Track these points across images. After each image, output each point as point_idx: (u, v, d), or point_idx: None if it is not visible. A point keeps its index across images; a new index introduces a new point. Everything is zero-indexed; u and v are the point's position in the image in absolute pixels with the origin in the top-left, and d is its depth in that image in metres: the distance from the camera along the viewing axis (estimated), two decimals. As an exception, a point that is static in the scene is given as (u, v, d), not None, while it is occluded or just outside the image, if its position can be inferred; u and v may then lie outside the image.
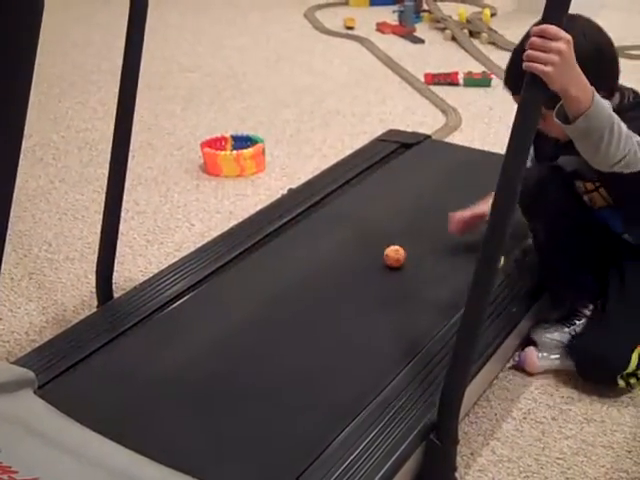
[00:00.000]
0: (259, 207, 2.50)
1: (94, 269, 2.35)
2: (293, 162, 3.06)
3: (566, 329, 1.86)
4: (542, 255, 1.91)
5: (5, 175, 0.81)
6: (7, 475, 1.21)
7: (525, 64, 1.32)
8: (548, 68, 1.30)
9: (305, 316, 1.82)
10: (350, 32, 4.79)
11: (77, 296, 2.26)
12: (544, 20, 1.32)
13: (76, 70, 4.19)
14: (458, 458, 1.53)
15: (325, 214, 2.31)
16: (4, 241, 0.85)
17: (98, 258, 1.95)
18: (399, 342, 1.70)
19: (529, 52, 1.32)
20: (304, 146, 3.20)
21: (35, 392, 1.55)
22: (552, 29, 1.30)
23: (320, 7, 5.34)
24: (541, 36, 1.31)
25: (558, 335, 1.85)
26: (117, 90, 1.82)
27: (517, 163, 1.36)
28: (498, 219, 1.36)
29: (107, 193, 1.89)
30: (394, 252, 1.99)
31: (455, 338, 1.45)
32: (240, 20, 5.12)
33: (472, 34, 4.57)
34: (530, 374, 1.83)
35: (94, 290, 2.25)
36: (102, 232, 1.93)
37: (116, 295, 1.98)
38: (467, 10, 4.88)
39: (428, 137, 2.82)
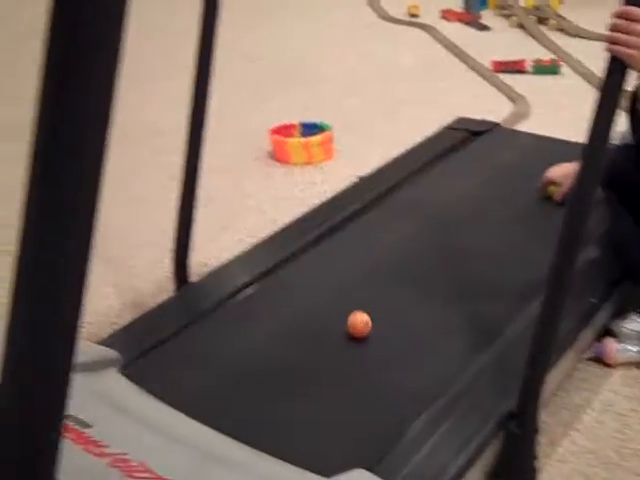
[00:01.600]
0: (328, 194, 2.51)
1: (169, 254, 2.40)
2: (361, 150, 3.06)
3: None
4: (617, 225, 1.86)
5: (94, 168, 0.82)
6: (99, 449, 1.25)
7: (608, 47, 1.30)
8: (631, 51, 1.28)
9: (379, 302, 1.83)
10: (415, 20, 4.76)
11: (153, 280, 2.30)
12: (628, 1, 1.29)
13: (143, 61, 4.24)
14: (538, 447, 1.52)
15: (396, 201, 2.31)
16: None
17: (175, 243, 1.99)
18: (477, 328, 1.70)
19: (612, 34, 1.29)
20: (371, 134, 3.20)
21: (119, 372, 1.59)
22: (636, 10, 1.28)
23: (384, -5, 5.31)
24: (625, 18, 1.29)
25: (638, 326, 1.82)
26: (187, 79, 1.85)
27: (599, 147, 1.34)
28: (578, 206, 1.35)
29: (183, 179, 1.93)
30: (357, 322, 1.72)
31: (535, 325, 1.44)
32: (304, 9, 5.13)
33: (540, 21, 4.49)
34: (609, 366, 1.81)
35: (169, 275, 2.29)
36: (178, 218, 1.97)
37: (191, 279, 2.02)
38: (534, -4, 4.81)
39: (497, 125, 2.79)
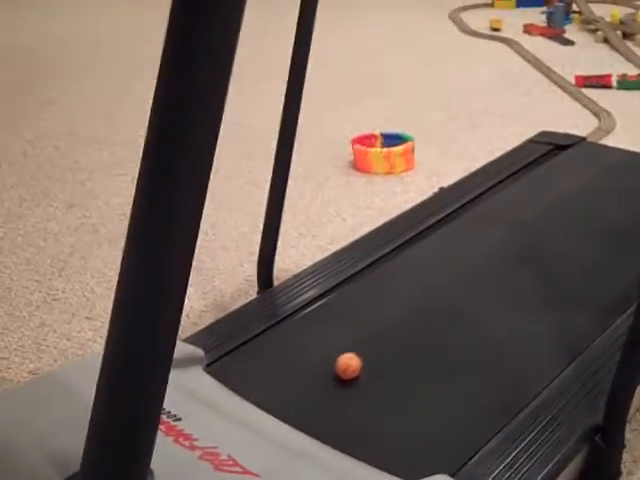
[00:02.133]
0: (409, 205, 2.51)
1: (249, 258, 2.45)
2: (442, 161, 3.06)
3: None
4: None
5: (202, 172, 0.85)
6: (189, 442, 1.28)
7: None
8: None
9: (460, 312, 1.83)
10: (496, 34, 4.74)
11: (234, 283, 2.35)
12: None
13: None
14: (621, 464, 1.50)
15: (477, 214, 2.30)
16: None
17: (260, 247, 2.03)
18: (562, 341, 1.68)
19: None
20: (453, 146, 3.20)
21: (203, 369, 1.63)
22: None
23: (465, 9, 5.31)
24: None
25: None
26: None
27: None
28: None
29: (271, 184, 1.96)
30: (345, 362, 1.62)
31: (624, 338, 1.42)
32: (385, 21, 5.16)
33: (626, 35, 4.42)
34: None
35: (250, 278, 2.34)
36: (265, 222, 2.00)
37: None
38: (620, 11, 4.73)
39: (583, 139, 2.75)
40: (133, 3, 5.80)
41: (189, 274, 0.88)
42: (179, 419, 1.34)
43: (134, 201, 0.84)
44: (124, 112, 3.81)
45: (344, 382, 1.59)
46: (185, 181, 0.83)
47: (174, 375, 1.44)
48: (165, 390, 0.92)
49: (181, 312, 0.90)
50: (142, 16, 5.46)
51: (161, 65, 0.79)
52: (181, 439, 1.28)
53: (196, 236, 0.87)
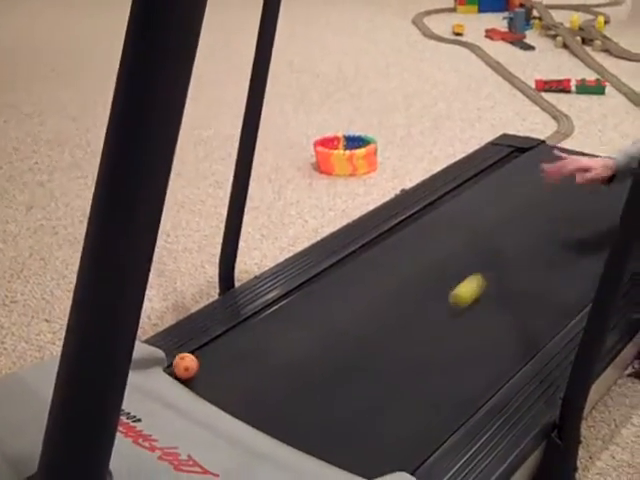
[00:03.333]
0: (371, 206, 2.53)
1: (211, 260, 2.44)
2: (404, 164, 3.09)
3: None
4: None
5: (163, 170, 0.86)
6: (148, 442, 1.28)
7: None
8: None
9: (420, 313, 1.84)
10: (458, 38, 4.78)
11: (195, 285, 2.34)
12: None
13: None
14: (577, 460, 1.52)
15: (438, 215, 2.32)
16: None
17: (222, 249, 2.02)
18: (520, 340, 1.70)
19: None
20: (415, 149, 3.23)
21: (164, 370, 1.62)
22: None
23: (428, 13, 5.35)
24: None
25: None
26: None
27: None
28: (627, 224, 1.35)
29: (233, 186, 1.96)
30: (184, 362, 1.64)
31: (580, 337, 1.45)
32: (349, 25, 5.18)
33: (585, 41, 4.49)
34: (650, 382, 1.81)
35: (211, 280, 2.34)
36: (226, 223, 2.00)
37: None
38: (580, 17, 4.80)
39: (542, 142, 2.79)
40: (108, 5, 5.76)
41: (148, 275, 0.88)
42: (138, 420, 1.34)
43: (92, 202, 0.84)
44: (88, 114, 3.78)
45: (303, 383, 1.60)
46: (144, 182, 0.84)
47: (134, 376, 1.43)
48: (124, 391, 0.92)
49: (140, 313, 0.90)
50: (115, 19, 5.43)
51: (120, 68, 0.79)
52: (140, 440, 1.28)
53: (155, 237, 0.87)
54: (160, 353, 1.64)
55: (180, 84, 0.82)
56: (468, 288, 1.81)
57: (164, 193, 0.86)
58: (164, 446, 1.27)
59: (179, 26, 0.78)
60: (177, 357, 1.63)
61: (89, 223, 0.84)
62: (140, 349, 1.64)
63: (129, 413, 1.36)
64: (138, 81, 0.79)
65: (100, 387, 0.90)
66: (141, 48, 0.78)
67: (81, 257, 0.84)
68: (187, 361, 1.62)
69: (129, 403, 1.31)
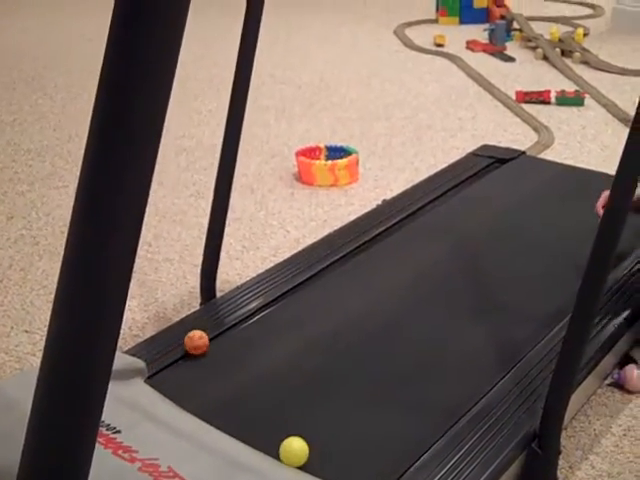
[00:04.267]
0: (353, 216, 2.54)
1: (192, 270, 2.44)
2: (386, 174, 3.10)
3: None
4: None
5: (144, 178, 0.86)
6: (128, 454, 1.27)
7: None
8: None
9: (401, 322, 1.85)
10: (440, 49, 4.81)
11: (177, 295, 2.33)
12: None
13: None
14: (557, 470, 1.53)
15: (419, 225, 2.33)
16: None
17: (203, 259, 2.02)
18: (500, 349, 1.71)
19: None
20: (396, 159, 3.24)
21: (145, 381, 1.61)
22: None
23: (410, 24, 5.37)
24: None
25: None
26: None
27: (628, 179, 1.36)
28: (607, 235, 1.37)
29: (214, 196, 1.96)
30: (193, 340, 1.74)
31: (560, 347, 1.46)
32: (331, 36, 5.20)
33: (564, 53, 4.53)
34: (630, 392, 1.82)
35: (192, 290, 2.33)
36: (208, 234, 2.00)
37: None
38: (559, 29, 4.85)
39: (523, 153, 2.82)
40: (91, 13, 5.75)
41: (129, 285, 0.88)
42: (118, 431, 1.33)
43: (73, 212, 0.84)
44: (69, 123, 3.76)
45: (284, 392, 1.60)
46: (125, 191, 0.83)
47: (114, 387, 1.43)
48: (103, 402, 0.91)
49: (120, 323, 0.89)
50: (97, 27, 5.42)
51: (101, 77, 0.79)
52: (120, 451, 1.28)
53: (136, 246, 0.87)
54: (141, 363, 1.64)
55: (161, 94, 0.82)
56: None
57: (145, 202, 0.85)
58: (144, 457, 1.26)
59: (160, 35, 0.78)
60: (186, 337, 1.72)
61: (69, 233, 0.83)
62: (120, 360, 1.63)
63: (109, 424, 1.35)
64: (118, 91, 0.79)
65: (79, 398, 0.89)
66: (122, 57, 0.78)
67: (61, 267, 0.83)
68: (196, 340, 1.71)
69: (109, 414, 1.31)
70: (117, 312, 0.89)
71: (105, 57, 0.78)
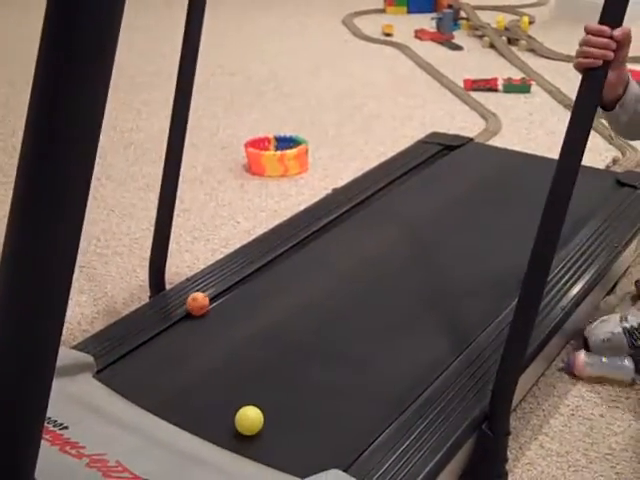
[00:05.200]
0: (303, 206, 2.53)
1: (142, 263, 2.41)
2: (336, 163, 3.10)
3: (619, 329, 1.86)
4: None
5: (83, 172, 0.84)
6: (75, 450, 1.25)
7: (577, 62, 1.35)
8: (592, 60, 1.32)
9: (351, 310, 1.85)
10: (388, 38, 4.83)
11: (126, 289, 2.31)
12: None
13: (119, 72, 4.25)
14: (507, 451, 1.55)
15: (370, 213, 2.34)
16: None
17: (151, 251, 2.00)
18: (451, 333, 1.73)
19: (583, 49, 1.34)
20: (346, 148, 3.24)
21: (93, 376, 1.59)
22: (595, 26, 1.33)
23: (358, 14, 5.38)
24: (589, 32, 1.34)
25: (607, 335, 1.85)
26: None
27: (572, 164, 1.38)
28: (551, 219, 1.39)
29: (161, 189, 1.94)
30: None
31: (508, 330, 1.47)
32: (280, 26, 5.18)
33: (510, 41, 4.58)
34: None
35: (142, 283, 2.31)
36: (155, 227, 1.98)
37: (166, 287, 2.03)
38: (505, 18, 4.90)
39: (471, 140, 2.84)
40: (26, 8, 5.63)
41: (71, 279, 0.86)
42: (65, 427, 1.31)
43: (11, 207, 0.82)
44: (13, 117, 3.69)
45: (232, 384, 1.59)
46: (65, 185, 0.82)
47: (61, 383, 1.41)
48: (48, 399, 0.90)
49: (63, 318, 0.88)
50: (36, 21, 5.31)
51: (36, 68, 0.77)
52: (67, 447, 1.26)
53: (78, 239, 0.85)
54: (89, 358, 1.61)
55: (99, 85, 0.81)
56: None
57: (86, 196, 0.84)
58: (92, 453, 1.25)
59: (96, 26, 0.77)
60: (189, 298, 1.82)
61: (8, 227, 0.82)
62: (68, 355, 1.61)
63: (56, 421, 1.33)
64: (54, 83, 0.78)
65: (24, 395, 0.88)
66: (57, 50, 0.76)
67: (1, 262, 0.82)
68: (200, 300, 1.82)
69: (56, 410, 1.29)
70: (60, 307, 0.87)
71: (40, 49, 0.77)
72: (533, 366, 1.72)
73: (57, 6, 0.74)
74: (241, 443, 1.41)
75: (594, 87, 1.36)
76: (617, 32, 1.31)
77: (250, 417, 1.43)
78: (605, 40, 1.31)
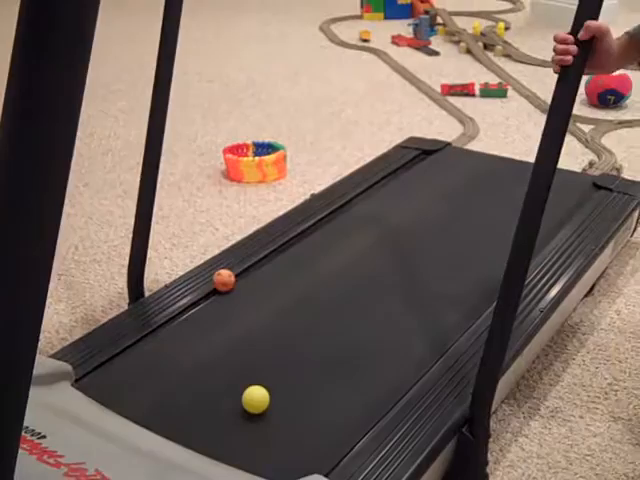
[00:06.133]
0: (281, 212, 2.53)
1: (120, 271, 2.40)
2: (314, 169, 3.10)
3: None
4: None
5: (60, 178, 0.84)
6: (54, 459, 1.24)
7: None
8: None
9: (331, 313, 1.85)
10: (365, 44, 4.84)
11: (105, 296, 2.29)
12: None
13: (97, 80, 4.24)
14: (488, 454, 1.55)
15: (349, 218, 2.34)
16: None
17: (130, 258, 1.99)
18: (430, 337, 1.73)
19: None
20: (324, 154, 3.24)
21: (72, 385, 1.58)
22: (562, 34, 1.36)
23: (335, 20, 5.39)
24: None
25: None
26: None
27: (547, 168, 1.39)
28: (527, 223, 1.39)
29: (139, 196, 1.93)
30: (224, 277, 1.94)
31: (487, 333, 1.48)
32: (257, 33, 5.18)
33: (487, 47, 4.61)
34: (556, 374, 1.85)
35: (121, 291, 2.29)
36: (134, 234, 1.97)
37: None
38: (482, 24, 4.93)
39: (448, 144, 2.85)
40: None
41: (47, 286, 0.85)
42: (43, 436, 1.29)
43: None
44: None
45: (212, 389, 1.58)
46: (39, 189, 0.81)
47: (39, 392, 1.39)
48: (25, 408, 0.89)
49: (40, 326, 0.87)
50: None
51: (10, 70, 0.77)
52: (45, 457, 1.24)
53: (54, 246, 0.84)
54: (67, 367, 1.60)
55: (74, 89, 0.80)
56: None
57: (62, 202, 0.83)
58: (70, 462, 1.23)
59: (70, 29, 0.76)
60: (215, 274, 1.91)
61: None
62: (46, 364, 1.59)
63: (34, 430, 1.32)
64: (27, 86, 0.77)
65: (0, 404, 0.87)
66: (30, 51, 0.75)
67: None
68: (224, 276, 1.91)
69: (33, 420, 1.28)
70: (36, 315, 0.86)
71: (13, 51, 0.76)
72: (512, 368, 1.73)
73: (31, 6, 0.74)
74: (219, 451, 1.40)
75: (568, 91, 1.37)
76: (581, 33, 1.34)
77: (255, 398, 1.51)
78: (562, 46, 1.34)
